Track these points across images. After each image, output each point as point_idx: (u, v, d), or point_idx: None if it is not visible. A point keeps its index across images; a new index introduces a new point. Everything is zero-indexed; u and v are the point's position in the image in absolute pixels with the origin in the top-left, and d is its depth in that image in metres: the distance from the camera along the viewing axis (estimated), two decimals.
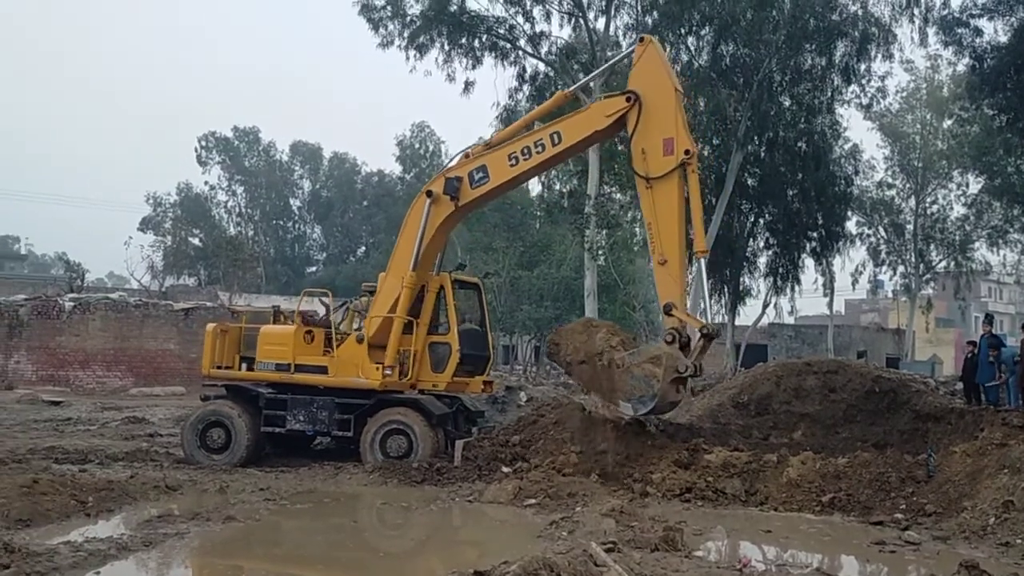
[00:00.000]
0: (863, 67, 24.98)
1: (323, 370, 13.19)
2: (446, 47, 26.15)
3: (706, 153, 26.32)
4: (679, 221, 11.90)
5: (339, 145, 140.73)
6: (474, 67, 26.47)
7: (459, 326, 13.74)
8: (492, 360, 14.73)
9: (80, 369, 28.20)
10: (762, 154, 27.20)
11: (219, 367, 13.63)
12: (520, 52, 26.43)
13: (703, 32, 24.46)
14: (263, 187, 77.15)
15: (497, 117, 27.49)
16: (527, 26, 26.01)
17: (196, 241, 62.27)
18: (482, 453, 12.27)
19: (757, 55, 23.96)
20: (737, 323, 34.13)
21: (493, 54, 26.37)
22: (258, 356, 13.50)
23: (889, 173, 42.50)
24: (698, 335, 11.53)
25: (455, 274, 14.28)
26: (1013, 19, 22.13)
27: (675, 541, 7.88)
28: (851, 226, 37.80)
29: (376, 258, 58.16)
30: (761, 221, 29.97)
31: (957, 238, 41.95)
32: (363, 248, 78.51)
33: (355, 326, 14.06)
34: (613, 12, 25.09)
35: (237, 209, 76.59)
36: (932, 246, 43.10)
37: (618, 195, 27.34)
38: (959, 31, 23.18)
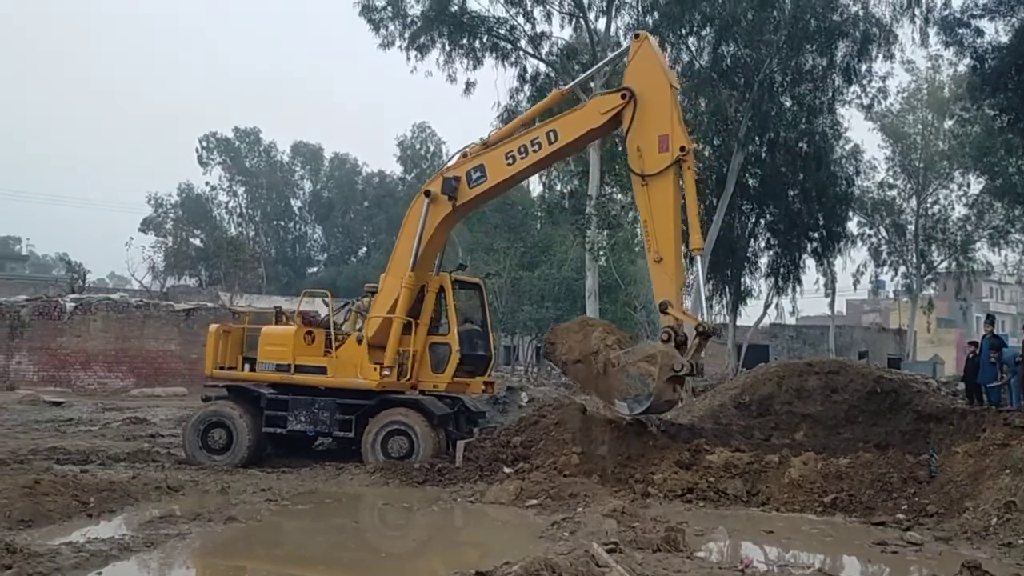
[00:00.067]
0: (864, 67, 24.99)
1: (322, 370, 13.19)
2: (447, 48, 26.17)
3: (707, 154, 26.32)
4: (675, 218, 11.86)
5: (340, 146, 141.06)
6: (475, 68, 26.51)
7: (460, 326, 13.73)
8: (493, 361, 14.71)
9: (81, 370, 28.21)
10: (763, 154, 27.19)
11: (222, 368, 13.64)
12: (521, 53, 26.44)
13: (704, 32, 24.45)
14: (264, 188, 77.25)
15: (498, 117, 27.48)
16: (528, 27, 26.04)
17: (197, 242, 62.29)
18: (483, 454, 12.26)
19: (758, 55, 23.95)
20: (738, 323, 34.12)
21: (494, 55, 26.38)
22: (259, 357, 13.50)
23: (890, 173, 42.54)
24: (694, 333, 11.49)
25: (455, 274, 14.27)
26: (1014, 19, 22.13)
27: (677, 542, 7.88)
28: (852, 226, 37.83)
29: (377, 259, 58.16)
30: (762, 221, 29.96)
31: (958, 238, 41.94)
32: (364, 249, 78.58)
33: (357, 326, 14.06)
34: (614, 12, 25.11)
35: (238, 210, 76.76)
36: (933, 246, 43.10)
37: (619, 196, 27.34)
38: (960, 31, 23.17)
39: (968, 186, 40.93)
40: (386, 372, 12.88)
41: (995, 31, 22.92)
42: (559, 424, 12.27)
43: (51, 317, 28.56)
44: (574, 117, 12.96)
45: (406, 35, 26.23)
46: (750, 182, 28.06)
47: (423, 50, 26.19)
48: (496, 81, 33.23)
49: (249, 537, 8.87)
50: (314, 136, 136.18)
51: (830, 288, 39.95)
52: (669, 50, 24.18)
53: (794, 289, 32.42)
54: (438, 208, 13.26)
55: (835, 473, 10.69)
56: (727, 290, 30.70)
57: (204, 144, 75.01)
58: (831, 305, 43.52)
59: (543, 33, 26.12)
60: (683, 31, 24.01)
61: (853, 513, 9.91)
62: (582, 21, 25.72)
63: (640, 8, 24.73)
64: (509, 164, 12.93)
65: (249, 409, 13.13)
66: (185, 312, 29.29)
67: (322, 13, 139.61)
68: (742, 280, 30.74)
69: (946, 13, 23.44)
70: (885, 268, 44.48)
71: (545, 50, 26.22)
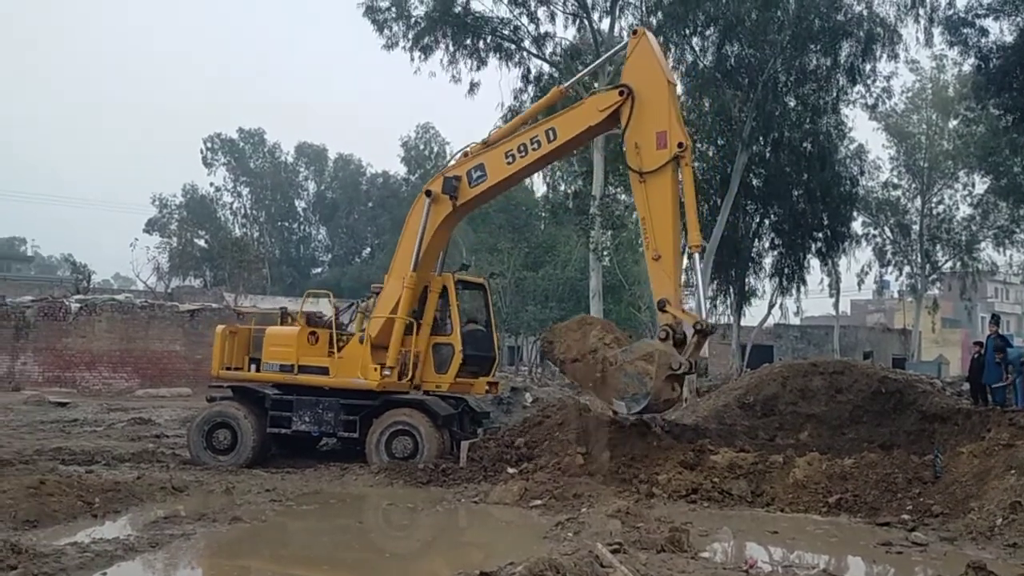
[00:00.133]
0: (868, 67, 24.89)
1: (325, 371, 13.21)
2: (451, 48, 26.14)
3: (711, 154, 26.31)
4: (673, 216, 11.80)
5: (344, 146, 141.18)
6: (479, 68, 26.47)
7: (464, 327, 13.75)
8: (497, 361, 14.71)
9: (86, 370, 28.28)
10: (767, 154, 27.13)
11: (228, 368, 13.67)
12: (525, 53, 26.42)
13: (708, 33, 24.41)
14: (268, 188, 77.32)
15: (502, 118, 27.46)
16: (532, 27, 26.01)
17: (202, 242, 62.29)
18: (488, 454, 12.26)
19: (762, 55, 23.91)
20: (743, 324, 34.07)
21: (498, 55, 26.35)
22: (264, 357, 13.54)
23: (895, 173, 42.45)
24: (692, 331, 11.42)
25: (458, 274, 14.28)
26: (1019, 19, 22.09)
27: (681, 542, 7.87)
28: (857, 226, 37.70)
29: (381, 259, 58.20)
30: (766, 221, 29.90)
31: (963, 238, 41.84)
32: (368, 249, 78.64)
33: (363, 327, 14.08)
34: (618, 13, 25.08)
35: (242, 210, 76.81)
36: (938, 246, 42.99)
37: (623, 196, 27.29)
38: (965, 31, 23.13)
39: (973, 186, 40.88)
40: (386, 372, 12.89)
41: (1000, 30, 22.89)
42: (563, 424, 12.26)
43: (56, 318, 28.64)
44: (573, 115, 12.95)
45: (410, 36, 26.21)
46: (754, 182, 28.02)
47: (427, 51, 26.18)
48: (500, 82, 33.04)
49: (254, 537, 8.88)
50: (318, 137, 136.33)
51: (834, 288, 39.94)
52: (673, 50, 24.18)
53: (798, 289, 32.36)
54: (439, 208, 13.27)
55: (840, 473, 10.68)
56: (731, 290, 30.64)
57: (209, 145, 75.18)
58: (835, 305, 43.51)
59: (547, 33, 26.12)
60: (687, 31, 23.97)
61: (858, 513, 9.90)
62: (586, 21, 25.70)
63: (644, 8, 24.71)
64: (509, 163, 12.93)
65: (254, 409, 13.16)
66: (190, 313, 29.34)
67: (323, 13, 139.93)
68: (746, 280, 30.67)
69: (950, 13, 23.41)
70: (889, 268, 44.46)
71: (549, 50, 26.22)
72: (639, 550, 7.61)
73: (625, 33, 25.02)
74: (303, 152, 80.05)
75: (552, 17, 25.88)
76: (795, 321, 44.86)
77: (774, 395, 16.77)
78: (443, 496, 10.84)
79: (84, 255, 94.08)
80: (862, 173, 33.87)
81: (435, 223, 13.30)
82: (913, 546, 8.47)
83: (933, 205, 42.29)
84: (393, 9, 26.30)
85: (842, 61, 24.55)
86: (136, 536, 8.15)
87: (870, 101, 27.79)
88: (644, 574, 6.80)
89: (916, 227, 42.56)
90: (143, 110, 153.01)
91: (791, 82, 25.06)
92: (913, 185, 42.47)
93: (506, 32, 26.12)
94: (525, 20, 25.96)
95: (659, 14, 23.92)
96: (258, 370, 13.58)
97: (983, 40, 22.86)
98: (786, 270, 30.45)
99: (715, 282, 28.97)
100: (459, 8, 25.61)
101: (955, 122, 39.66)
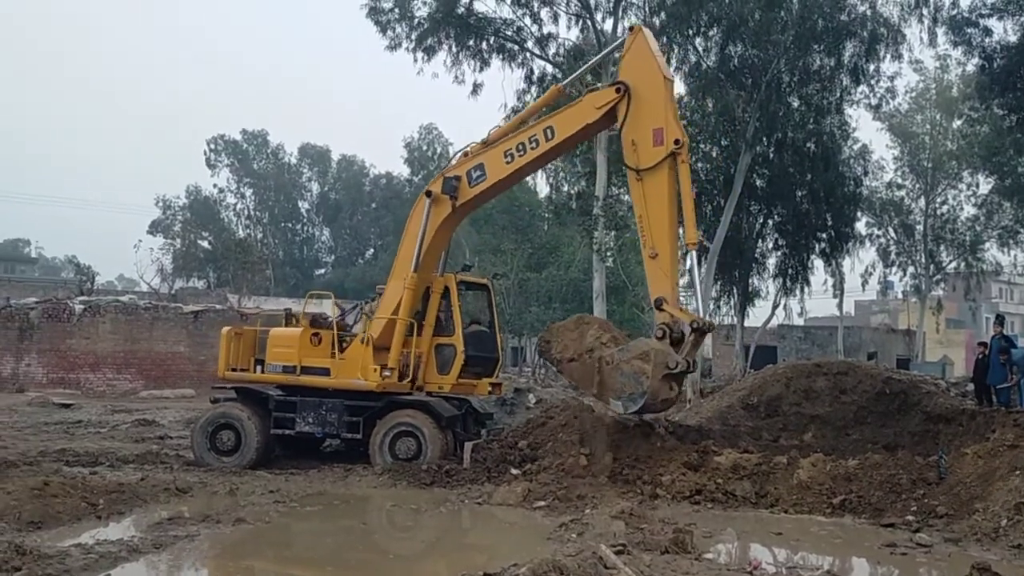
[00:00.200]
0: (872, 67, 24.83)
1: (326, 372, 13.22)
2: (454, 49, 26.14)
3: (714, 154, 26.26)
4: (670, 213, 11.74)
5: (347, 147, 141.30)
6: (482, 69, 26.45)
7: (467, 328, 13.74)
8: (501, 362, 14.70)
9: (90, 372, 28.31)
10: (771, 155, 27.08)
11: (234, 369, 13.69)
12: (528, 54, 26.41)
13: (711, 33, 24.37)
14: (272, 190, 77.47)
15: (505, 119, 27.45)
16: (535, 28, 26.00)
17: (205, 244, 62.47)
18: (491, 455, 12.25)
19: (765, 56, 23.87)
20: (746, 324, 34.03)
21: (501, 56, 26.34)
22: (267, 358, 13.55)
23: (899, 174, 42.37)
24: (689, 330, 11.34)
25: (461, 275, 14.27)
26: (1023, 18, 22.03)
27: (685, 543, 7.86)
28: (860, 227, 37.67)
29: (384, 260, 58.25)
30: (770, 222, 29.86)
31: (967, 239, 41.76)
32: (371, 250, 78.77)
33: (367, 328, 14.09)
34: (620, 13, 25.05)
35: (246, 212, 77.03)
36: (942, 247, 42.92)
37: (626, 196, 27.19)
38: (968, 31, 23.08)
39: (977, 186, 40.80)
40: (386, 374, 12.89)
41: (1004, 30, 22.83)
42: (566, 426, 12.23)
43: (60, 319, 28.68)
44: (570, 113, 12.91)
45: (413, 37, 26.21)
46: (758, 183, 27.97)
47: (430, 52, 26.18)
48: (503, 82, 33.13)
49: (258, 538, 8.89)
50: (319, 137, 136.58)
51: (838, 289, 39.82)
52: (676, 51, 24.15)
53: (802, 290, 32.33)
54: (440, 208, 13.27)
55: (844, 474, 10.66)
56: (735, 291, 30.60)
57: (212, 146, 75.41)
58: (839, 306, 43.38)
59: (550, 34, 26.11)
60: (690, 31, 23.94)
61: (862, 515, 9.88)
62: (589, 22, 25.68)
63: (647, 9, 24.69)
64: (508, 162, 12.92)
65: (257, 411, 13.16)
66: (193, 314, 29.38)
67: (326, 15, 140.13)
68: (750, 281, 30.64)
69: (954, 12, 23.35)
70: (894, 269, 44.36)
71: (552, 51, 26.21)
72: (643, 551, 7.60)
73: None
74: (306, 153, 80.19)
75: (555, 18, 25.89)
76: (799, 322, 44.81)
77: (778, 396, 16.75)
78: (447, 497, 10.84)
79: (88, 257, 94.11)
80: (866, 173, 33.85)
81: (436, 224, 13.31)
82: (917, 547, 8.46)
83: (937, 205, 42.23)
84: (396, 10, 26.31)
85: (846, 61, 24.50)
86: (140, 537, 8.16)
87: (874, 101, 27.80)
88: (648, 575, 6.80)
89: (920, 227, 42.50)
90: (147, 112, 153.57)
91: (795, 82, 25.02)
92: (917, 185, 42.41)
93: (509, 33, 26.13)
94: (528, 21, 25.98)
95: (662, 14, 23.89)
96: (263, 371, 13.60)
97: (987, 40, 22.82)
98: (790, 271, 30.40)
99: (719, 283, 28.93)
100: (462, 9, 25.61)
101: (959, 122, 39.59)
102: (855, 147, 32.00)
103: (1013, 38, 22.37)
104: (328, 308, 14.82)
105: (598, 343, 11.94)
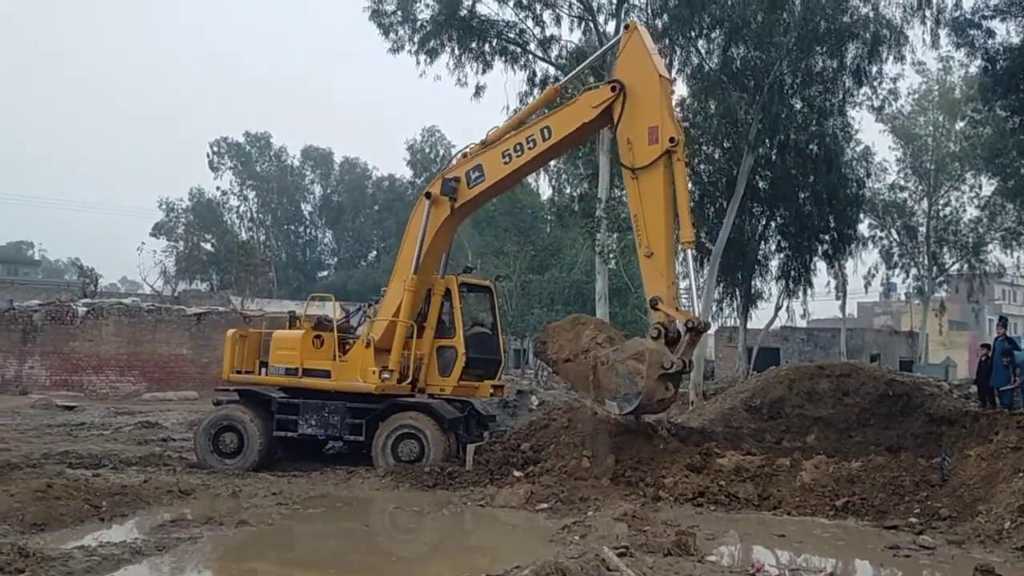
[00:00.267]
0: (874, 69, 24.77)
1: (327, 374, 13.23)
2: (456, 52, 26.15)
3: (717, 156, 26.22)
4: (665, 212, 11.65)
5: (350, 150, 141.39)
6: (484, 71, 26.46)
7: (469, 329, 13.75)
8: (503, 364, 14.70)
9: (93, 374, 28.35)
10: (773, 157, 27.03)
11: (238, 372, 13.71)
12: (530, 56, 26.42)
13: (713, 35, 24.34)
14: (275, 192, 77.57)
15: (507, 121, 27.48)
16: (537, 30, 26.02)
17: (208, 246, 62.52)
18: (494, 457, 12.26)
19: (768, 58, 23.84)
20: (749, 326, 33.98)
21: (503, 58, 26.36)
22: (270, 361, 13.59)
23: (901, 175, 42.32)
24: (685, 329, 11.22)
25: (462, 277, 14.28)
26: None
27: (688, 545, 7.86)
28: (863, 229, 37.65)
29: (387, 262, 58.27)
30: (773, 224, 29.80)
31: (970, 240, 41.68)
32: (374, 253, 78.83)
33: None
34: (623, 15, 25.06)
35: (249, 214, 77.11)
36: (945, 248, 42.85)
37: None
38: (971, 32, 23.05)
39: (980, 188, 40.72)
40: (385, 376, 12.89)
41: (1007, 32, 22.80)
42: (569, 428, 12.25)
43: (63, 322, 28.73)
44: (567, 112, 12.89)
45: (415, 39, 26.23)
46: (760, 184, 27.92)
47: (432, 54, 26.20)
48: (506, 84, 33.20)
49: (260, 541, 8.90)
50: (321, 139, 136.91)
51: (841, 291, 39.80)
52: (679, 53, 24.14)
53: (805, 292, 32.24)
54: (439, 210, 13.29)
55: (847, 476, 10.65)
56: (737, 293, 30.56)
57: (215, 149, 75.50)
58: (842, 308, 43.34)
59: (552, 36, 26.12)
60: (692, 33, 23.91)
61: (865, 517, 9.87)
62: (591, 24, 25.69)
63: (650, 11, 24.69)
64: (506, 162, 12.91)
65: (260, 413, 13.18)
66: (196, 316, 29.42)
67: (329, 16, 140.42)
68: (752, 283, 30.60)
69: (957, 14, 23.31)
70: (896, 270, 44.29)
71: (555, 53, 26.22)
72: (645, 553, 7.60)
73: None
74: (309, 155, 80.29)
75: (557, 20, 25.91)
76: (802, 324, 44.78)
77: (781, 398, 16.74)
78: (449, 499, 10.85)
79: (91, 259, 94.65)
80: (869, 175, 33.73)
81: (435, 225, 13.32)
82: (921, 549, 8.45)
83: (940, 207, 42.17)
84: (399, 13, 26.34)
85: (848, 63, 24.46)
86: (143, 540, 8.18)
87: (876, 103, 27.68)
88: None
89: (923, 229, 42.44)
90: (147, 113, 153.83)
91: (797, 84, 24.98)
92: (920, 187, 42.36)
93: (512, 35, 26.15)
94: (530, 23, 25.99)
95: (664, 16, 23.89)
96: (267, 374, 13.63)
97: (990, 41, 22.78)
98: (792, 272, 30.35)
99: (721, 285, 28.88)
100: (465, 11, 25.63)
101: (962, 124, 39.55)
102: (858, 149, 31.97)
103: (1016, 40, 22.35)
104: (330, 310, 14.82)
105: (594, 343, 11.88)
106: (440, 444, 12.44)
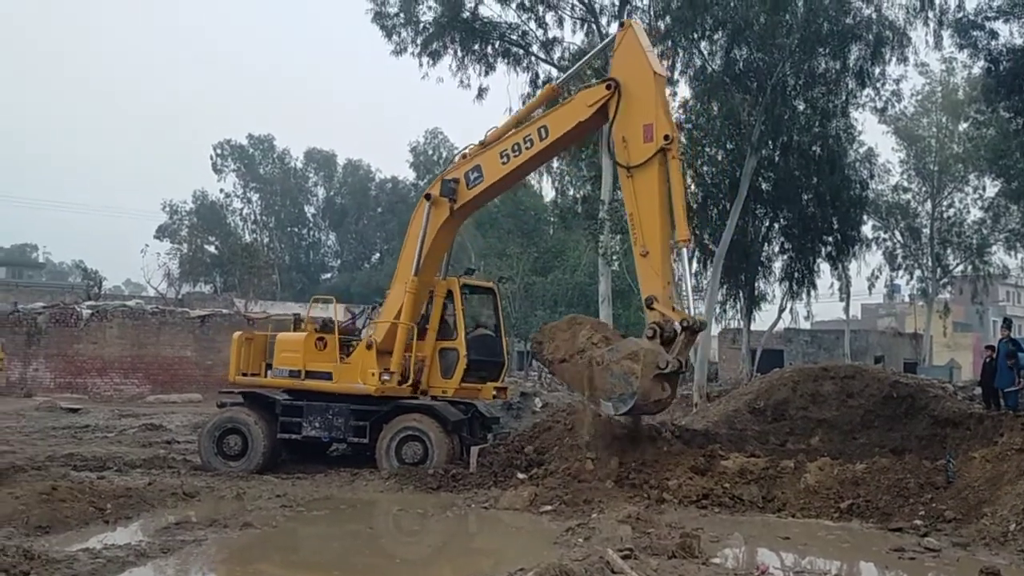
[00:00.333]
0: (877, 71, 24.78)
1: (329, 376, 13.24)
2: (459, 54, 26.17)
3: (720, 158, 26.22)
4: (661, 211, 11.56)
5: (353, 152, 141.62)
6: (487, 73, 26.47)
7: (473, 331, 13.75)
8: (507, 366, 14.68)
9: (98, 376, 28.39)
10: (776, 158, 27.05)
11: (244, 374, 13.73)
12: (533, 58, 26.45)
13: (716, 37, 24.35)
14: (278, 194, 77.67)
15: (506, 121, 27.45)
16: (540, 32, 26.03)
17: (212, 249, 62.60)
18: (497, 459, 12.26)
19: (771, 59, 23.85)
20: (753, 328, 33.98)
21: (506, 60, 26.38)
22: (274, 363, 13.61)
23: (905, 177, 42.27)
24: (680, 328, 11.06)
25: (464, 279, 14.27)
26: None
27: (692, 548, 7.84)
28: (867, 230, 37.57)
29: (390, 265, 58.28)
30: (776, 226, 29.82)
31: (974, 242, 41.61)
32: (377, 255, 78.89)
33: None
34: (625, 17, 25.07)
35: (252, 217, 77.15)
36: (949, 250, 42.78)
37: None
38: (974, 34, 23.02)
39: (983, 189, 40.65)
40: (386, 378, 12.89)
41: (1010, 33, 22.77)
42: (573, 429, 12.23)
43: (68, 324, 28.78)
44: (563, 111, 12.85)
45: (418, 41, 26.26)
46: (763, 186, 27.94)
47: (435, 56, 26.23)
48: (508, 86, 33.27)
49: (265, 543, 8.90)
50: (324, 140, 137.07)
51: (845, 292, 39.76)
52: (681, 54, 24.14)
53: (808, 293, 32.23)
54: (439, 211, 13.29)
55: (851, 479, 10.63)
56: (741, 295, 30.58)
57: (218, 151, 75.60)
58: (846, 309, 43.33)
59: (555, 38, 26.14)
60: (695, 35, 23.92)
61: (870, 519, 9.85)
62: (594, 26, 25.70)
63: (652, 12, 24.70)
64: (504, 163, 12.89)
65: (264, 415, 13.19)
66: (200, 319, 29.44)
67: (331, 17, 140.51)
68: (756, 285, 30.60)
69: (960, 15, 23.30)
70: (900, 272, 44.23)
71: (557, 55, 26.23)
72: (650, 556, 7.59)
73: None
74: (312, 158, 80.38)
75: (560, 22, 25.93)
76: (805, 325, 44.69)
77: (785, 400, 16.73)
78: (453, 501, 10.84)
79: (95, 262, 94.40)
80: (872, 177, 33.73)
81: (436, 226, 13.32)
82: (926, 552, 8.43)
83: (944, 208, 42.09)
84: (401, 15, 26.37)
85: (851, 64, 24.46)
86: (148, 542, 8.19)
87: (879, 104, 27.70)
88: None
89: (927, 231, 42.37)
90: (149, 113, 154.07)
91: (800, 86, 24.98)
92: (923, 188, 42.29)
93: (514, 37, 26.17)
94: (533, 25, 26.01)
95: (667, 18, 23.89)
96: (272, 376, 13.65)
97: (993, 42, 22.75)
98: (796, 274, 30.35)
99: (724, 286, 28.89)
100: (467, 14, 25.66)
101: (965, 125, 39.49)
102: (861, 150, 31.97)
103: (1019, 41, 22.33)
104: (332, 312, 14.83)
105: (589, 343, 11.75)
106: (444, 446, 12.44)
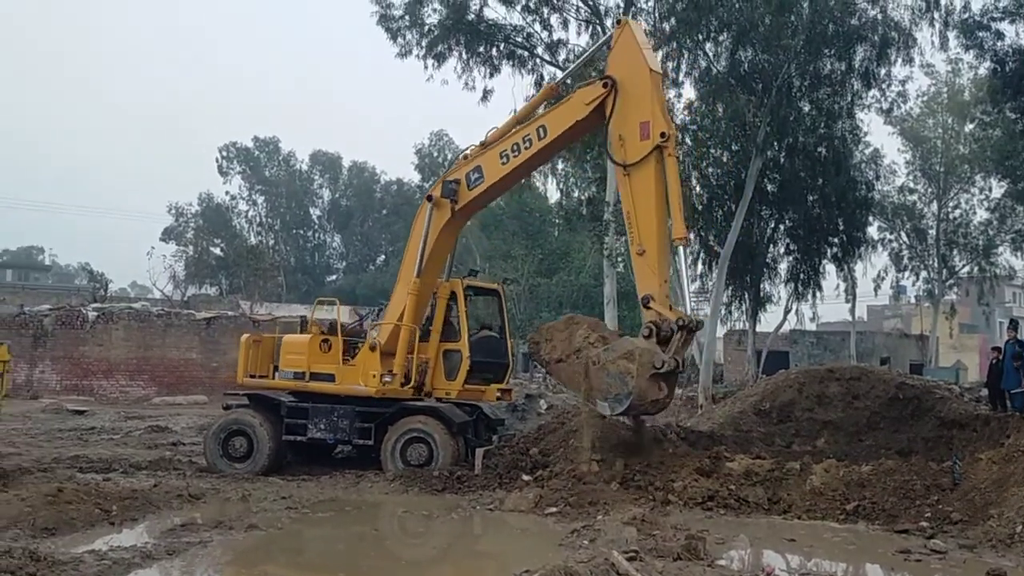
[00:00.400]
0: (883, 71, 24.73)
1: (332, 378, 13.26)
2: (464, 56, 26.22)
3: (725, 159, 26.21)
4: (657, 209, 11.48)
5: (358, 154, 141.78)
6: (492, 75, 26.53)
7: (477, 333, 13.75)
8: (511, 368, 14.67)
9: (104, 379, 28.44)
10: (782, 160, 27.02)
11: (252, 376, 13.76)
12: (538, 60, 26.49)
13: (721, 38, 24.34)
14: (283, 196, 77.83)
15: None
16: (545, 34, 26.08)
17: (217, 251, 62.79)
18: (502, 461, 12.26)
19: (776, 60, 23.83)
20: (758, 330, 33.93)
21: (511, 62, 26.42)
22: (280, 365, 13.62)
23: (911, 178, 42.16)
24: (676, 328, 11.02)
25: (468, 280, 14.26)
26: None
27: (698, 550, 7.83)
28: (872, 231, 37.45)
29: (395, 266, 58.31)
30: (781, 227, 29.77)
31: (980, 243, 41.47)
32: (383, 256, 79.02)
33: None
34: (630, 19, 25.06)
35: (258, 219, 77.36)
36: (955, 251, 42.65)
37: None
38: (980, 34, 22.99)
39: (990, 190, 40.52)
40: (387, 379, 12.90)
41: (1016, 34, 22.74)
42: (578, 431, 12.22)
43: (74, 326, 28.83)
44: (561, 111, 12.83)
45: (423, 44, 26.32)
46: (769, 187, 27.90)
47: (440, 58, 26.27)
48: (513, 88, 33.37)
49: (270, 545, 8.91)
50: (331, 144, 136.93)
51: (850, 294, 39.68)
52: (686, 56, 24.12)
53: (814, 295, 32.14)
54: (441, 213, 13.29)
55: (857, 480, 10.61)
56: (746, 296, 30.53)
57: (224, 153, 75.81)
58: (852, 311, 43.19)
59: (560, 40, 26.18)
60: (700, 37, 23.91)
61: (876, 521, 9.83)
62: (599, 28, 25.71)
63: (657, 14, 24.69)
64: (504, 163, 12.87)
65: (269, 417, 13.20)
66: (206, 321, 29.49)
67: (332, 18, 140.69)
68: (761, 286, 30.56)
69: (965, 16, 23.26)
70: (906, 273, 44.11)
71: (562, 57, 26.26)
72: (655, 558, 7.58)
73: None
74: (317, 160, 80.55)
75: (565, 24, 25.98)
76: (811, 327, 44.64)
77: (790, 401, 16.69)
78: (458, 503, 10.84)
79: (101, 264, 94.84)
80: (878, 178, 33.73)
81: (437, 228, 13.32)
82: (932, 554, 8.40)
83: (950, 209, 41.99)
84: (407, 17, 26.42)
85: (856, 65, 24.42)
86: (153, 544, 8.20)
87: (885, 105, 27.64)
88: None
89: (932, 232, 42.27)
90: (158, 118, 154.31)
91: (805, 87, 24.95)
92: (929, 189, 42.19)
93: (519, 39, 26.20)
94: (538, 27, 26.05)
95: (672, 20, 23.88)
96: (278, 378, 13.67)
97: (999, 43, 22.74)
98: (801, 275, 30.30)
99: (730, 288, 28.86)
100: (472, 16, 25.69)
101: (971, 126, 39.40)
102: (867, 151, 31.95)
103: None
104: (336, 314, 14.84)
105: (586, 343, 11.67)
106: (449, 448, 12.43)
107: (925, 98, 41.01)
